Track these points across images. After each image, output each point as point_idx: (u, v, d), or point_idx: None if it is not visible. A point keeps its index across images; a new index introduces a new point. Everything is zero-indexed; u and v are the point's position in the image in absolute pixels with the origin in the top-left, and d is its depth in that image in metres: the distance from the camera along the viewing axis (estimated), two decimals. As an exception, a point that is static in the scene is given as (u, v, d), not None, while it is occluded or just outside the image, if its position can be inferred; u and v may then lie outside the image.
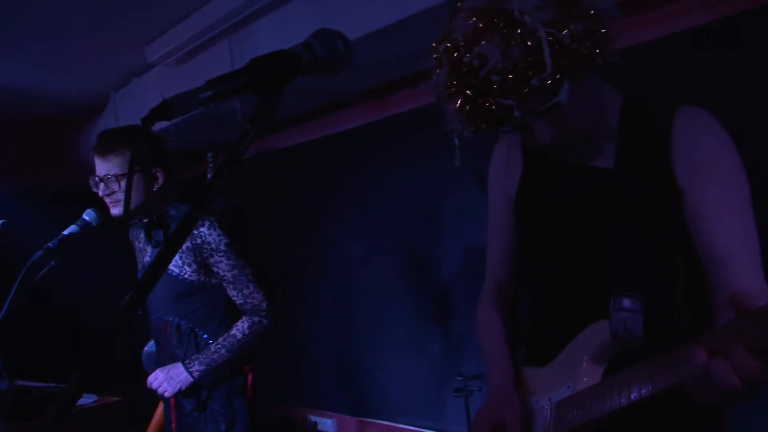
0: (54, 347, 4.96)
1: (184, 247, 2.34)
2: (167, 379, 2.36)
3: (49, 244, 2.25)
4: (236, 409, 2.43)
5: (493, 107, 1.23)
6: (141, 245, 2.54)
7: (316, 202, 4.59)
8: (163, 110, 0.86)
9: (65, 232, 2.30)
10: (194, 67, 3.80)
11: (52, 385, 3.67)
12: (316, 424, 4.57)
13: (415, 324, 3.97)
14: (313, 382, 4.66)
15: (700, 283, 1.36)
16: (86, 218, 2.35)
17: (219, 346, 2.35)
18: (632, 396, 1.16)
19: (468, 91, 1.24)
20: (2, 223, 2.77)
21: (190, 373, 2.34)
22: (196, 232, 2.32)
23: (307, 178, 4.67)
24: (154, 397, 2.52)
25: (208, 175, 3.18)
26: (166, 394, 2.37)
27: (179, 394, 2.44)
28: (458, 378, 3.45)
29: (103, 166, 2.32)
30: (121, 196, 2.34)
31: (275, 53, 0.93)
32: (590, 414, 1.26)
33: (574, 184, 1.47)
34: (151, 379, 2.41)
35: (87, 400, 3.51)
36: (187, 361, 2.36)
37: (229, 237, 2.36)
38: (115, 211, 2.36)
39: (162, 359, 2.50)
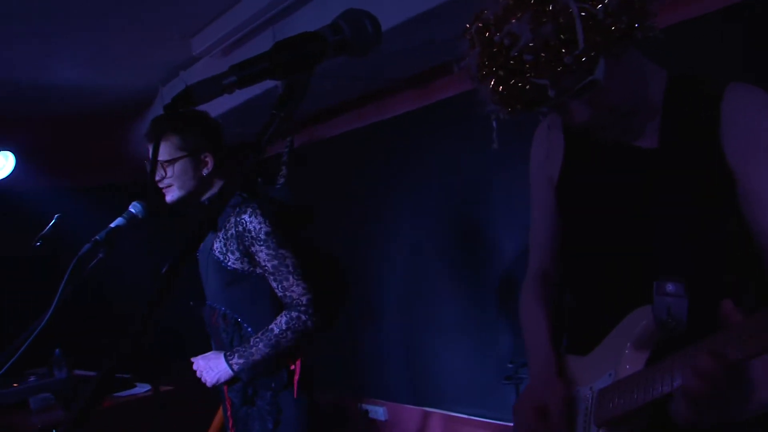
0: (111, 338, 5.06)
1: (229, 233, 2.34)
2: (206, 369, 2.35)
3: (97, 237, 2.26)
4: (281, 407, 2.38)
5: (527, 87, 1.20)
6: None
7: (365, 190, 4.58)
8: (186, 97, 0.84)
9: (112, 225, 2.32)
10: (239, 57, 3.75)
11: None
12: (367, 412, 4.58)
13: (467, 311, 3.93)
14: (363, 370, 4.67)
15: (751, 269, 1.30)
16: (132, 210, 2.36)
17: (257, 340, 2.30)
18: (675, 384, 1.12)
19: (500, 72, 1.21)
20: (58, 216, 2.83)
21: (230, 365, 2.32)
22: (238, 218, 2.31)
23: (357, 165, 4.66)
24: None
25: (284, 157, 3.19)
26: (207, 384, 2.38)
27: (227, 387, 2.45)
28: (509, 366, 3.40)
29: (152, 152, 2.34)
30: (171, 182, 2.35)
31: (300, 35, 0.91)
32: (632, 403, 1.22)
33: (617, 166, 1.41)
34: (194, 366, 2.42)
35: (141, 389, 3.59)
36: (228, 353, 2.34)
37: (272, 225, 2.31)
38: (169, 197, 2.38)
39: (215, 346, 2.51)
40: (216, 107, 4.08)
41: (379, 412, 4.52)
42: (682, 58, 2.43)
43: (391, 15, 2.91)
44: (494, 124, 1.35)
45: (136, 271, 4.79)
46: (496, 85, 1.23)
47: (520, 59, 1.17)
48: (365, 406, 4.62)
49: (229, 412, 2.50)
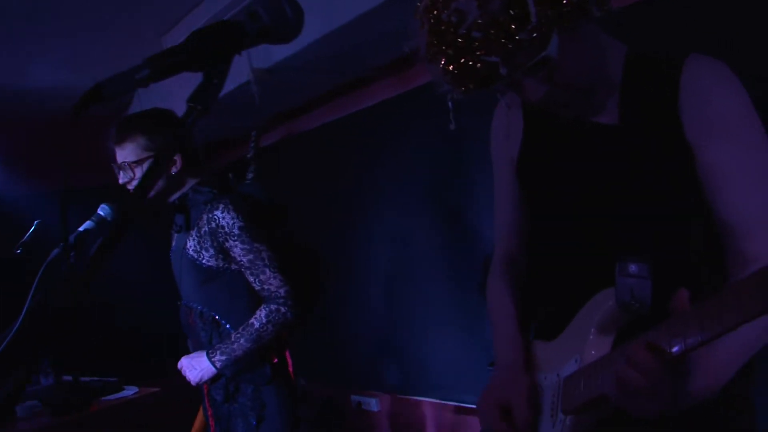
0: (98, 342, 5.04)
1: (202, 231, 2.31)
2: (189, 367, 2.34)
3: (66, 241, 2.25)
4: (264, 402, 2.37)
5: (478, 66, 1.15)
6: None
7: (347, 181, 4.55)
8: (95, 94, 0.81)
9: (81, 228, 2.30)
10: (212, 54, 3.78)
11: (97, 379, 3.75)
12: (360, 404, 4.56)
13: (453, 299, 3.91)
14: (353, 362, 4.65)
15: (718, 244, 1.27)
16: (101, 213, 2.35)
17: (239, 335, 2.30)
18: None
19: (449, 51, 1.16)
20: (38, 223, 2.80)
21: (213, 363, 2.31)
22: (210, 215, 2.28)
23: (337, 156, 4.62)
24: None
25: (249, 154, 3.17)
26: (191, 383, 2.37)
27: (209, 385, 2.43)
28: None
29: (120, 154, 2.31)
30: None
31: (216, 25, 0.87)
32: (597, 388, 1.19)
33: (576, 143, 1.38)
34: (178, 365, 2.40)
35: (129, 392, 3.58)
36: (210, 351, 2.33)
37: (245, 220, 2.29)
38: None
39: (193, 346, 2.49)
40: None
41: (371, 403, 4.51)
42: (648, 34, 2.41)
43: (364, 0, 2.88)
44: (450, 104, 1.32)
45: (113, 271, 4.77)
46: (447, 64, 1.19)
47: (468, 37, 1.13)
48: (358, 398, 4.60)
49: (210, 411, 2.49)
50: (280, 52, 3.29)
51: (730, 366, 1.13)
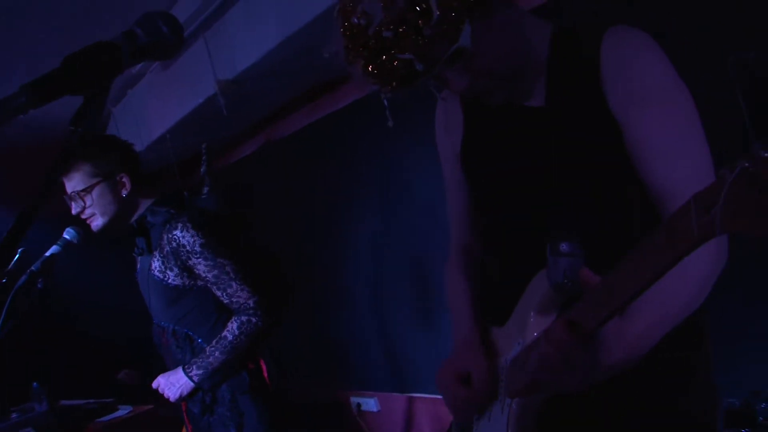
0: (89, 364, 5.06)
1: (164, 251, 2.33)
2: (168, 385, 2.37)
3: (32, 267, 2.26)
4: (242, 410, 2.38)
5: (395, 64, 1.15)
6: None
7: (330, 183, 4.55)
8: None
9: (47, 253, 2.32)
10: (179, 68, 3.80)
11: (92, 401, 3.77)
12: (359, 405, 4.57)
13: (441, 295, 3.89)
14: (350, 363, 4.66)
15: (652, 222, 1.25)
16: (66, 237, 2.36)
17: (213, 348, 2.32)
18: None
19: (365, 52, 1.17)
20: (22, 250, 2.82)
21: (190, 377, 2.33)
22: (170, 235, 2.29)
23: (317, 158, 4.62)
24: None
25: (202, 167, 3.18)
26: (171, 400, 2.38)
27: (187, 401, 2.45)
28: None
29: (68, 185, 2.33)
30: (92, 210, 2.34)
31: (91, 47, 0.88)
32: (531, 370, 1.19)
33: (509, 128, 1.38)
34: (154, 385, 2.42)
35: (123, 411, 3.59)
36: (186, 366, 2.35)
37: (205, 236, 2.30)
38: (94, 226, 2.37)
39: (168, 365, 2.51)
40: (165, 121, 4.07)
41: (371, 403, 4.51)
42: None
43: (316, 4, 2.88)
44: (385, 102, 1.33)
45: (94, 290, 4.82)
46: (365, 65, 1.19)
47: (380, 37, 1.13)
48: (357, 400, 4.61)
49: (189, 428, 2.50)
50: (242, 61, 3.30)
51: (648, 336, 1.13)
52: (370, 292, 4.44)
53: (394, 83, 1.21)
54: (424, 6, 1.09)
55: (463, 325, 1.52)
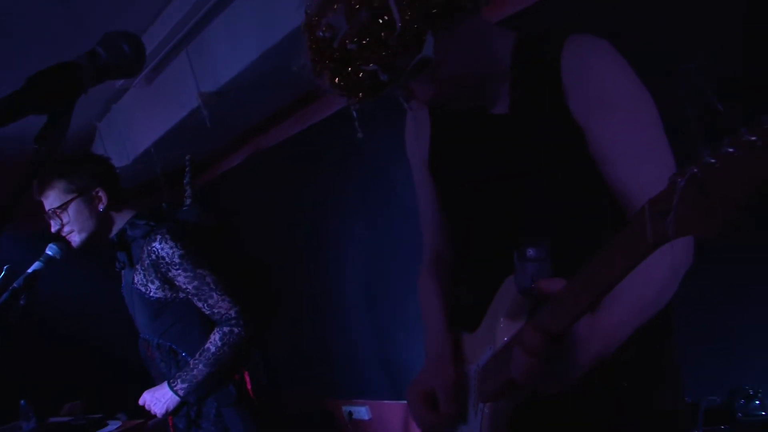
0: (80, 380, 5.04)
1: (145, 264, 2.34)
2: (153, 401, 2.37)
3: (14, 284, 2.26)
4: (227, 425, 2.39)
5: (360, 75, 1.17)
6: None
7: (318, 192, 4.56)
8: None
9: (29, 270, 2.32)
10: (162, 82, 3.81)
11: (81, 417, 3.77)
12: (351, 413, 4.57)
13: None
14: (340, 371, 4.67)
15: (617, 224, 1.28)
16: (49, 253, 2.37)
17: (197, 361, 2.32)
18: None
19: (331, 64, 1.18)
20: (7, 268, 2.82)
21: (176, 392, 2.33)
22: (150, 247, 2.30)
23: (308, 167, 4.63)
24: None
25: (186, 178, 3.20)
26: (158, 415, 2.38)
27: (173, 416, 2.45)
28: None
29: (45, 204, 2.35)
30: (70, 227, 2.35)
31: (54, 68, 0.90)
32: (504, 375, 1.20)
33: (475, 136, 1.40)
34: (140, 401, 2.42)
35: (112, 426, 3.59)
36: (171, 381, 2.35)
37: (184, 248, 2.31)
38: (74, 243, 2.38)
39: (154, 378, 2.52)
40: (150, 134, 4.08)
41: (362, 411, 4.51)
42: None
43: (294, 18, 2.91)
44: (354, 113, 1.35)
45: (78, 304, 4.81)
46: (332, 77, 1.21)
47: (344, 50, 1.15)
48: (349, 408, 4.61)
49: (174, 440, 2.51)
50: (225, 74, 3.32)
51: (620, 330, 1.14)
52: (359, 300, 4.45)
53: (361, 94, 1.23)
54: (386, 18, 1.11)
55: (434, 337, 1.53)
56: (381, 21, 1.11)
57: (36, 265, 2.34)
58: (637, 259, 0.84)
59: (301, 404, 4.80)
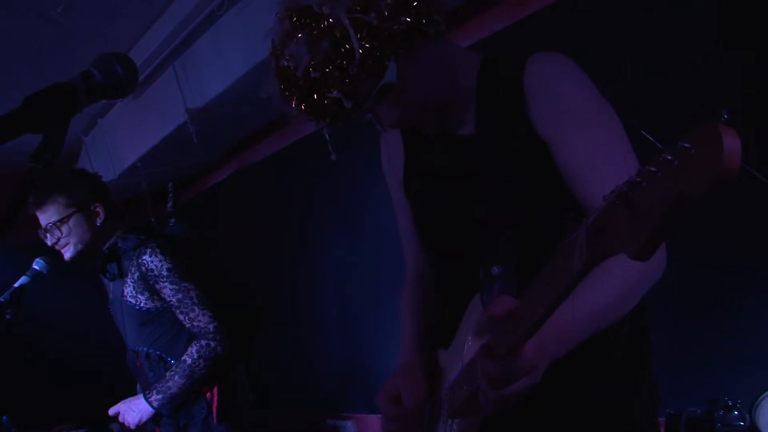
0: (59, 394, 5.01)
1: (135, 276, 2.37)
2: (127, 411, 2.38)
3: (0, 299, 2.28)
4: None
5: (325, 102, 1.19)
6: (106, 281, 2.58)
7: (301, 208, 4.58)
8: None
9: (16, 285, 2.34)
10: (149, 97, 3.83)
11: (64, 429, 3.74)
12: (337, 429, 4.57)
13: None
14: (325, 387, 4.67)
15: None
16: (36, 267, 2.39)
17: (172, 373, 2.34)
18: None
19: (296, 92, 1.20)
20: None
21: (150, 403, 2.35)
22: (140, 260, 2.34)
23: (288, 183, 4.66)
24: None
25: (168, 204, 3.22)
26: (131, 426, 2.39)
27: (160, 426, 2.46)
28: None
29: (43, 218, 2.37)
30: (67, 240, 2.37)
31: (50, 88, 0.92)
32: (466, 391, 1.20)
33: (443, 157, 1.43)
34: (112, 411, 2.43)
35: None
36: (147, 392, 2.37)
37: (172, 261, 2.35)
38: (67, 255, 2.40)
39: (142, 389, 2.52)
40: (136, 149, 4.10)
41: (347, 426, 4.52)
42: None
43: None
44: (326, 135, 1.37)
45: (59, 319, 4.80)
46: (298, 104, 1.23)
47: (308, 78, 1.17)
48: (334, 423, 4.61)
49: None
50: (211, 89, 3.35)
51: (576, 329, 1.12)
52: (343, 316, 4.47)
53: (327, 120, 1.25)
54: (347, 47, 1.13)
55: (405, 351, 1.55)
56: (342, 50, 1.13)
57: (23, 280, 2.36)
58: (576, 278, 0.84)
59: (286, 420, 4.80)
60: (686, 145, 0.64)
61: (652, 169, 0.68)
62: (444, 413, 1.38)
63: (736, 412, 2.13)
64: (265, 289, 4.58)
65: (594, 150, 1.23)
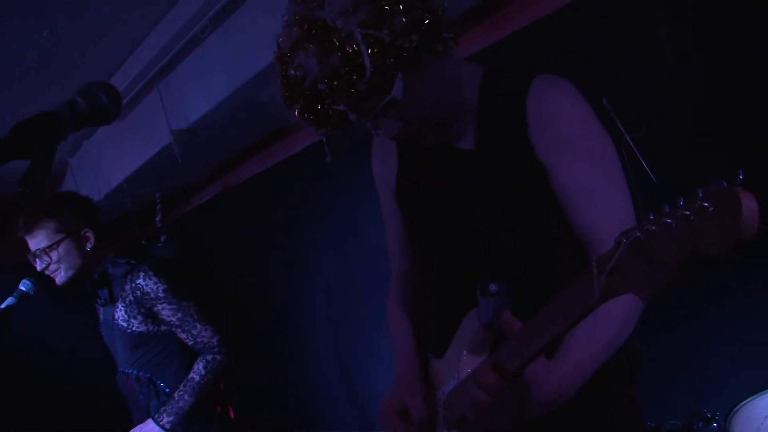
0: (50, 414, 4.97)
1: (127, 300, 2.38)
2: None
3: (-13, 320, 2.29)
4: None
5: (330, 113, 1.21)
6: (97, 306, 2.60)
7: (287, 227, 4.60)
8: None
9: (2, 306, 2.35)
10: (134, 120, 3.86)
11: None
12: (325, 445, 4.57)
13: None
14: (313, 404, 4.67)
15: (578, 261, 1.33)
16: (23, 288, 2.40)
17: (182, 392, 2.37)
18: None
19: (301, 101, 1.22)
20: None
21: (162, 426, 2.37)
22: (133, 284, 2.36)
23: (274, 203, 4.67)
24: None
25: (157, 217, 3.23)
26: None
27: None
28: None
29: (32, 243, 2.38)
30: (57, 266, 2.39)
31: (36, 117, 0.96)
32: (462, 407, 1.24)
33: (440, 169, 1.45)
34: None
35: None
36: (156, 415, 2.39)
37: (167, 282, 2.38)
38: (58, 280, 2.42)
39: (133, 411, 2.54)
40: (122, 170, 4.11)
41: (335, 443, 4.52)
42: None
43: (268, 52, 2.98)
44: (324, 140, 1.40)
45: (46, 336, 4.77)
46: (302, 112, 1.24)
47: (315, 89, 1.18)
48: (322, 440, 4.61)
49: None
50: (195, 112, 3.38)
51: (578, 373, 1.19)
52: (330, 333, 4.48)
53: (329, 129, 1.28)
54: (359, 62, 1.15)
55: (402, 361, 1.58)
56: (352, 65, 1.15)
57: (9, 301, 2.38)
58: (584, 313, 0.91)
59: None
60: (705, 204, 0.69)
61: (669, 221, 0.73)
62: (440, 424, 1.40)
63: (715, 424, 2.17)
64: (250, 307, 4.60)
65: (591, 181, 1.29)
